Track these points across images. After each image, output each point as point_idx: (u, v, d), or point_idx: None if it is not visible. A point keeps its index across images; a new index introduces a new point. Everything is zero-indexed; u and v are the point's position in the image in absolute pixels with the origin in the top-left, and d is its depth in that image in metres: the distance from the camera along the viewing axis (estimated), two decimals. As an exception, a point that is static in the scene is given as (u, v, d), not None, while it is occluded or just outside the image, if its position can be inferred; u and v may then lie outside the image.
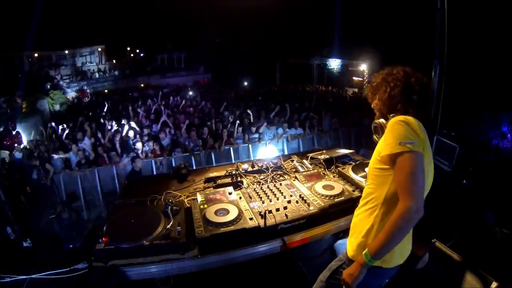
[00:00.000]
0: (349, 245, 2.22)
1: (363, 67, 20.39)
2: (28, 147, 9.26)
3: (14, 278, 3.97)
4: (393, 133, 1.93)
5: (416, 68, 2.15)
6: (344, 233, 3.29)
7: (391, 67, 2.15)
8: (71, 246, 5.85)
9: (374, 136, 2.24)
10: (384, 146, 1.96)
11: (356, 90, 20.93)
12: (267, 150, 9.22)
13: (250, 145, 9.35)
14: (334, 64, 23.14)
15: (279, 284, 3.43)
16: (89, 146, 8.98)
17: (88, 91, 25.34)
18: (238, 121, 9.95)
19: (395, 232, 1.86)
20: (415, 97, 2.05)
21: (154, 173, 8.40)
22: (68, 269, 3.82)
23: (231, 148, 9.19)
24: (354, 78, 22.94)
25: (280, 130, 9.82)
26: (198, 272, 2.37)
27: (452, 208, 5.55)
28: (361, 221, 2.14)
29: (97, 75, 29.91)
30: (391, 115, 2.09)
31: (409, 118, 1.95)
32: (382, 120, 2.14)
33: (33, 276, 4.01)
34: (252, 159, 5.38)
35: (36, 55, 27.97)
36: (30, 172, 8.30)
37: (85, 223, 7.15)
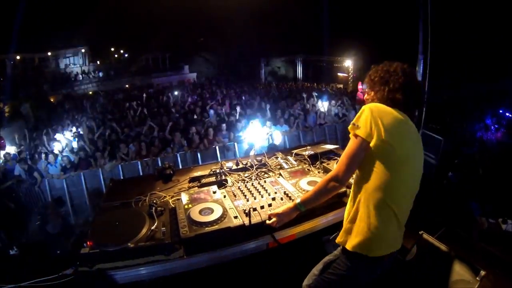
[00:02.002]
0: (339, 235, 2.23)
1: (348, 63, 20.49)
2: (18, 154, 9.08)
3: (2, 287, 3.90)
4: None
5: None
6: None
7: (389, 63, 2.17)
8: (58, 252, 5.77)
9: None
10: None
11: (341, 86, 21.04)
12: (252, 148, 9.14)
13: (236, 144, 9.27)
14: (319, 60, 23.26)
15: (270, 280, 3.42)
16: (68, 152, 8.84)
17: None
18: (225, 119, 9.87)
19: (317, 191, 2.23)
20: (411, 99, 2.10)
21: (141, 174, 8.30)
22: (57, 275, 3.76)
23: (217, 147, 9.12)
24: (339, 74, 23.06)
25: (265, 128, 9.77)
26: (187, 272, 2.35)
27: (438, 200, 5.62)
28: (347, 210, 2.20)
29: (81, 77, 29.48)
30: None
31: (375, 108, 2.03)
32: None
33: (21, 284, 3.95)
34: (238, 157, 5.36)
35: (18, 57, 27.48)
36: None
37: (72, 228, 7.06)
